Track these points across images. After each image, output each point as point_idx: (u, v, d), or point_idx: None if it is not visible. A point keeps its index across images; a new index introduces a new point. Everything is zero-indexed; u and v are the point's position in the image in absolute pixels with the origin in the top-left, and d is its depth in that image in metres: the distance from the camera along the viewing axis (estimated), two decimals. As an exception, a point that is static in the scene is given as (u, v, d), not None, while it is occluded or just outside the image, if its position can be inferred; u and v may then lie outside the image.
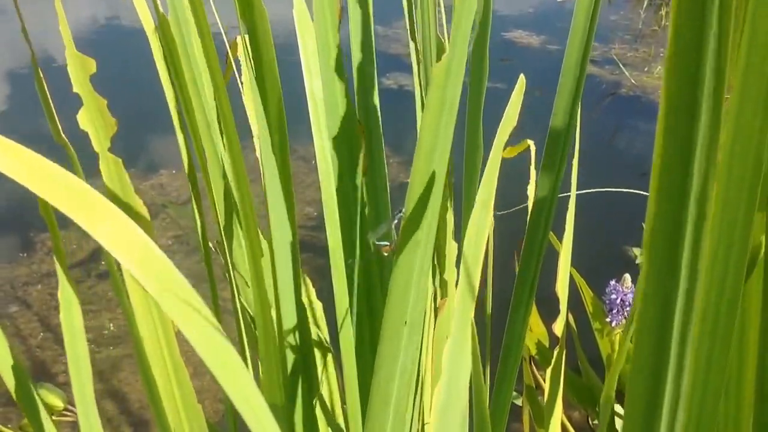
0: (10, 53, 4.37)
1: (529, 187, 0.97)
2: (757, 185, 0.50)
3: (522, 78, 0.81)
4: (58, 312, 2.35)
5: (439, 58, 0.89)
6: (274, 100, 0.63)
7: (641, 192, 2.01)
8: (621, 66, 4.03)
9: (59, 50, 0.76)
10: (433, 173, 0.55)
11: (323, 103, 0.81)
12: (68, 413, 1.39)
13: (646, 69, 4.07)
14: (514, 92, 0.79)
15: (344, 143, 0.80)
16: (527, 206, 0.97)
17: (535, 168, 0.96)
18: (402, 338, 0.62)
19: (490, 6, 0.93)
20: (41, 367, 2.19)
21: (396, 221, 0.80)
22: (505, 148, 1.13)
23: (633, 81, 3.90)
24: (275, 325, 0.79)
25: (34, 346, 2.26)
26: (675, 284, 0.53)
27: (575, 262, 1.07)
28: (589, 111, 3.61)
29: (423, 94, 0.92)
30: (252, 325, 0.94)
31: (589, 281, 1.56)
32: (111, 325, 2.33)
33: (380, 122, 0.85)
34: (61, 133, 0.69)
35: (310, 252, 2.48)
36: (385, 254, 0.84)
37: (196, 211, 0.87)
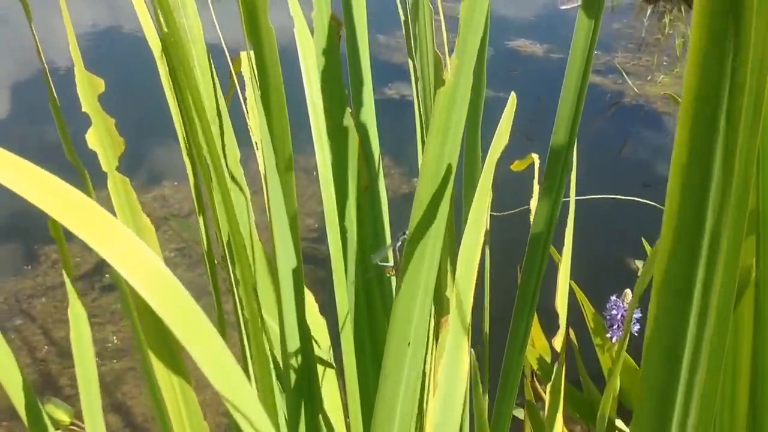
0: (14, 60, 4.38)
1: (531, 201, 0.98)
2: (746, 208, 0.51)
3: (513, 96, 0.82)
4: (62, 325, 2.37)
5: (437, 74, 0.91)
6: (280, 122, 0.63)
7: (642, 200, 2.02)
8: (624, 75, 4.03)
9: (62, 57, 0.78)
10: (438, 197, 0.56)
11: (323, 121, 0.82)
12: (75, 427, 1.40)
13: (649, 78, 4.08)
14: (505, 110, 0.79)
15: (344, 160, 0.81)
16: (523, 210, 0.98)
17: (539, 183, 0.97)
18: (406, 358, 0.63)
19: (488, 18, 0.94)
20: (47, 380, 2.20)
21: (399, 243, 0.80)
22: (511, 159, 1.14)
23: (636, 90, 3.90)
24: (279, 346, 0.80)
25: (39, 359, 2.27)
26: (686, 317, 0.53)
27: (576, 274, 1.08)
28: (592, 121, 3.61)
29: (420, 108, 0.93)
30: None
31: (591, 292, 1.56)
32: (114, 338, 2.34)
33: (377, 136, 0.86)
34: (74, 152, 0.70)
35: (311, 264, 2.48)
36: (389, 275, 0.84)
37: (201, 224, 0.87)
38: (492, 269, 1.09)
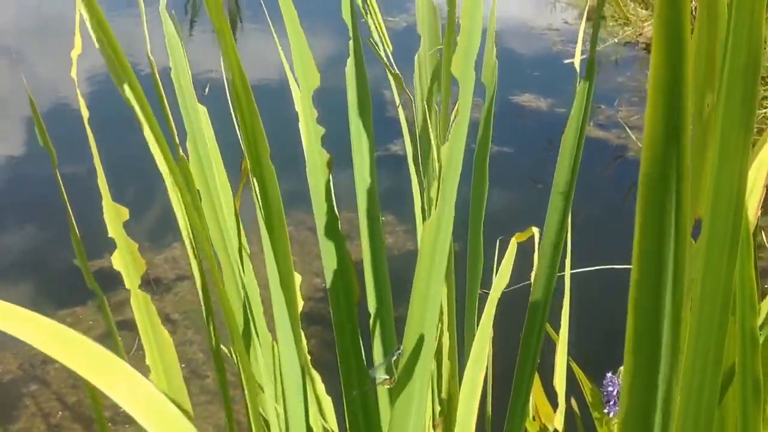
0: (25, 98, 4.38)
1: (532, 274, 1.02)
2: (727, 313, 0.55)
3: (513, 241, 0.87)
4: (76, 390, 2.39)
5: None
6: (281, 245, 0.68)
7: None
8: (627, 130, 4.07)
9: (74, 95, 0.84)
10: (424, 324, 0.60)
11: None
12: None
13: (651, 132, 4.11)
14: (505, 256, 0.84)
15: (337, 279, 0.86)
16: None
17: (539, 255, 1.01)
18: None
19: (490, 122, 0.99)
20: (61, 445, 2.23)
21: (395, 357, 0.85)
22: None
23: (639, 144, 3.94)
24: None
25: (54, 424, 2.30)
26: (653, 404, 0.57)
27: (578, 336, 1.10)
28: (596, 176, 3.65)
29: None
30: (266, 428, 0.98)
31: (595, 354, 1.58)
32: (127, 402, 2.36)
33: (387, 273, 0.91)
34: (92, 279, 0.75)
35: (318, 325, 2.48)
36: (385, 387, 0.89)
37: (210, 327, 0.92)
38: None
